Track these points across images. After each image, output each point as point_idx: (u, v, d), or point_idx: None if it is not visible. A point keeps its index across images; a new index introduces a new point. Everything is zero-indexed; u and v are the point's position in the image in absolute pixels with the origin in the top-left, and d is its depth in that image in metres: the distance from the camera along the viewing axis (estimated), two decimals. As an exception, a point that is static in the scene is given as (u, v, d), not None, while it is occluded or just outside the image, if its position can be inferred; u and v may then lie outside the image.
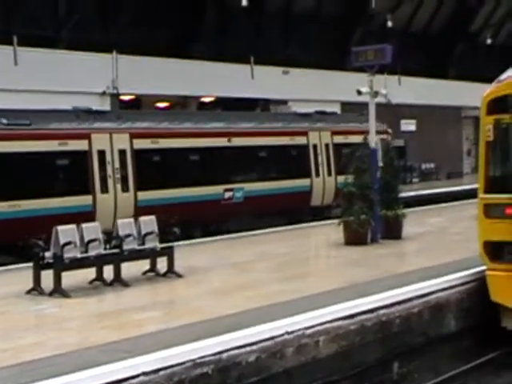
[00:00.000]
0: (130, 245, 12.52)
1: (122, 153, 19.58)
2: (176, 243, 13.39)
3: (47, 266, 11.64)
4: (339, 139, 24.93)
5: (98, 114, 20.27)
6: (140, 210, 17.71)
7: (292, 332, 9.45)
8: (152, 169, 20.46)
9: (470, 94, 31.10)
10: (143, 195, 19.63)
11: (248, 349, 8.91)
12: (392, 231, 16.98)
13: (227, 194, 21.77)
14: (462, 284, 12.38)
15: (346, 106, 33.21)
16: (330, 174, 24.88)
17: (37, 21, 27.13)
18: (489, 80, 14.04)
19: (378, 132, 20.86)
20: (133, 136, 19.88)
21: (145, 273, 13.04)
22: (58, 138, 18.41)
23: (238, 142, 22.34)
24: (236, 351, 8.78)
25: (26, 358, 8.18)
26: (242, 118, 24.16)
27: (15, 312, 10.64)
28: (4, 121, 17.57)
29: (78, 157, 18.76)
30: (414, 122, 41.11)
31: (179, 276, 12.95)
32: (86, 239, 11.91)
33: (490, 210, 12.31)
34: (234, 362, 8.69)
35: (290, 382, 9.33)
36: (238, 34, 33.37)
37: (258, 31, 34.56)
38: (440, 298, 11.79)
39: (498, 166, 12.67)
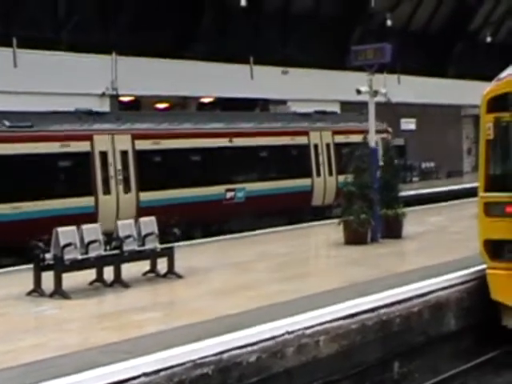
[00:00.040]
0: (130, 246, 12.52)
1: (124, 154, 19.63)
2: (176, 244, 13.39)
3: (48, 268, 11.65)
4: (340, 139, 24.94)
5: (100, 116, 20.33)
6: (142, 211, 17.75)
7: (292, 332, 9.46)
8: (154, 169, 20.49)
9: (470, 93, 31.08)
10: (145, 196, 19.67)
11: (248, 349, 8.91)
12: (392, 230, 16.98)
13: (229, 194, 21.81)
14: (462, 283, 12.39)
15: (345, 105, 33.20)
16: (330, 173, 24.89)
17: (36, 22, 27.12)
18: (489, 78, 14.04)
19: (379, 131, 20.88)
20: (134, 137, 19.92)
21: (145, 274, 13.04)
22: (59, 139, 18.46)
23: (239, 142, 22.39)
24: (236, 351, 8.78)
25: (27, 359, 8.19)
26: (243, 118, 24.20)
27: (16, 314, 10.64)
28: (6, 123, 17.62)
29: (80, 158, 18.81)
30: (413, 121, 41.10)
31: (179, 277, 12.95)
32: (86, 240, 11.92)
33: (490, 209, 12.31)
34: (234, 362, 8.70)
35: (290, 381, 9.34)
36: (237, 35, 33.36)
37: (256, 31, 34.55)
38: (440, 297, 11.80)
39: (499, 164, 12.67)
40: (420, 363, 11.08)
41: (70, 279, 11.78)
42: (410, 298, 11.32)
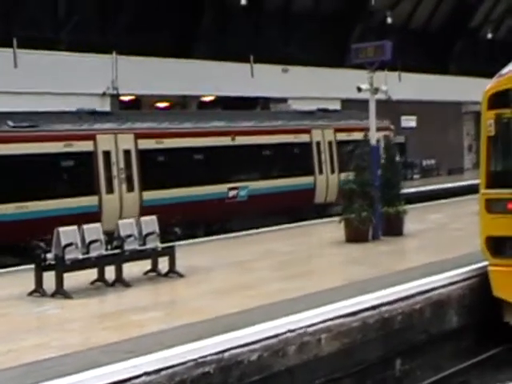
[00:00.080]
0: (131, 245, 12.53)
1: (127, 153, 19.68)
2: (177, 243, 13.39)
3: (49, 268, 11.66)
4: (342, 136, 24.96)
5: (103, 115, 20.38)
6: (145, 210, 17.80)
7: (294, 330, 9.45)
8: (157, 168, 20.54)
9: (471, 90, 31.06)
10: (148, 195, 19.73)
11: (250, 347, 8.90)
12: (393, 228, 16.97)
13: (231, 193, 21.84)
14: (464, 280, 12.37)
15: (346, 103, 33.18)
16: (333, 171, 24.91)
17: (36, 23, 27.12)
18: (490, 75, 14.01)
19: (381, 129, 20.86)
20: (137, 136, 19.96)
21: (146, 273, 13.05)
22: (63, 139, 18.51)
23: (241, 140, 22.43)
24: (238, 350, 8.77)
25: (28, 359, 8.19)
26: (246, 116, 24.26)
27: (17, 313, 10.65)
28: (10, 123, 17.66)
29: (83, 158, 18.88)
30: (414, 118, 41.07)
31: (181, 276, 12.95)
32: (88, 240, 11.92)
33: (491, 205, 12.30)
34: (235, 360, 8.69)
35: (292, 380, 9.33)
36: (238, 34, 33.35)
37: (257, 30, 34.53)
38: (442, 295, 11.79)
39: (500, 160, 12.66)
40: (422, 361, 11.07)
41: (72, 279, 11.79)
42: (412, 296, 11.31)
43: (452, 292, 11.98)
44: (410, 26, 42.60)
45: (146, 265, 13.06)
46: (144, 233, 12.77)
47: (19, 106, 20.76)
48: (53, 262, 11.61)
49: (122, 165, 19.43)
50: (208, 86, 30.26)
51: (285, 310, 10.04)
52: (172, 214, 18.15)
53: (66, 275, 11.61)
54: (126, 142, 19.67)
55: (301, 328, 9.53)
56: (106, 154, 19.22)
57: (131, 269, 12.64)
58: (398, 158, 19.01)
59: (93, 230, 12.12)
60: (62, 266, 11.55)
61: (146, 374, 7.90)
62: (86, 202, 18.39)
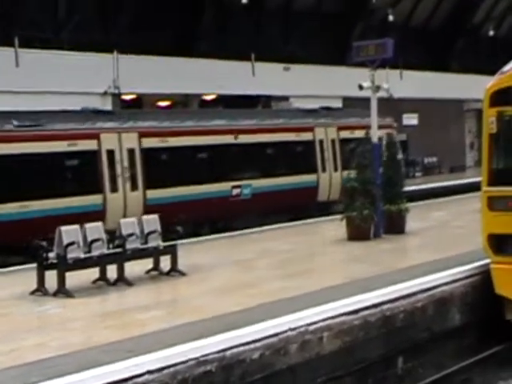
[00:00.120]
0: (132, 244, 12.53)
1: (131, 152, 19.73)
2: (179, 241, 13.39)
3: (51, 267, 11.66)
4: (345, 134, 24.99)
5: (107, 114, 20.45)
6: (149, 209, 17.87)
7: (295, 328, 9.44)
8: (160, 167, 20.62)
9: (473, 87, 31.02)
10: (152, 194, 19.77)
11: (251, 346, 8.90)
12: (395, 226, 16.96)
13: (235, 191, 21.88)
14: (466, 278, 12.36)
15: (347, 101, 33.16)
16: (336, 169, 24.94)
17: (37, 23, 27.13)
18: (491, 72, 14.00)
19: (384, 126, 20.84)
20: (141, 135, 19.99)
21: (148, 272, 13.04)
22: (67, 138, 18.56)
23: (245, 139, 22.47)
24: (239, 348, 8.77)
25: (30, 358, 8.19)
26: (249, 115, 24.33)
27: (19, 313, 10.65)
28: (14, 122, 17.70)
29: (87, 157, 18.94)
30: (416, 116, 41.03)
31: (182, 274, 12.95)
32: (89, 239, 11.93)
33: (493, 203, 12.28)
34: (237, 359, 8.69)
35: (293, 378, 9.33)
36: (239, 32, 33.33)
37: (258, 29, 34.52)
38: (444, 292, 11.77)
39: (502, 158, 12.64)
40: (424, 359, 11.06)
41: (74, 278, 11.79)
42: (414, 294, 11.30)
43: (454, 290, 11.97)
44: (411, 24, 42.56)
45: (148, 263, 13.06)
46: (146, 231, 12.77)
47: (21, 105, 20.77)
48: (55, 261, 11.61)
49: (125, 163, 19.50)
50: (209, 84, 30.25)
51: (286, 308, 10.04)
52: (176, 212, 18.35)
53: (67, 274, 11.61)
54: (130, 140, 19.73)
55: (302, 326, 9.53)
56: (110, 153, 19.28)
57: (133, 268, 12.64)
58: (400, 156, 19.01)
59: (94, 229, 12.13)
60: (63, 265, 11.56)
61: (149, 372, 7.90)
62: (91, 200, 18.46)
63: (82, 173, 19.04)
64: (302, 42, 35.84)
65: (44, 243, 11.78)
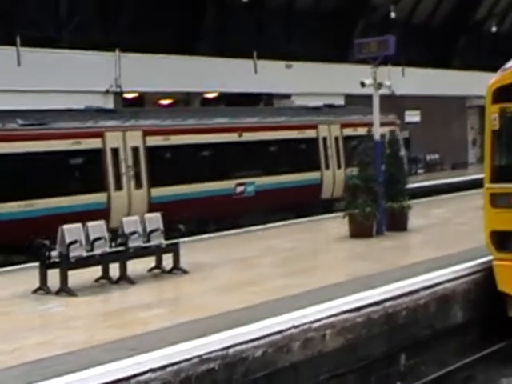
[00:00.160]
0: (135, 242, 12.53)
1: (135, 150, 19.77)
2: (181, 240, 13.39)
3: (53, 265, 11.67)
4: (348, 132, 24.99)
5: (111, 113, 20.53)
6: (153, 207, 17.90)
7: (298, 326, 9.45)
8: (165, 165, 20.68)
9: (475, 84, 31.00)
10: (156, 192, 19.82)
11: (254, 343, 8.91)
12: (397, 223, 16.95)
13: (239, 189, 21.92)
14: (469, 274, 12.35)
15: (350, 98, 33.13)
16: (339, 166, 24.96)
17: (38, 23, 27.14)
18: (494, 69, 13.97)
19: (387, 123, 20.81)
20: (145, 133, 20.04)
21: (150, 270, 13.05)
22: (71, 137, 18.60)
23: (248, 136, 22.52)
24: (242, 346, 8.78)
25: (32, 357, 8.20)
26: (252, 113, 24.38)
27: (22, 311, 10.66)
28: (19, 121, 17.75)
29: (92, 155, 18.99)
30: (418, 113, 40.99)
31: (185, 272, 12.95)
32: (92, 238, 11.93)
33: (496, 200, 12.27)
34: (240, 357, 8.69)
35: (296, 376, 9.33)
36: (240, 31, 33.31)
37: (259, 27, 34.50)
38: (446, 289, 11.77)
39: (504, 155, 12.64)
40: (426, 356, 11.05)
41: (76, 276, 11.79)
42: (416, 291, 11.30)
43: (457, 287, 11.97)
44: (413, 21, 42.49)
45: (151, 262, 13.06)
46: (148, 230, 12.77)
47: (22, 104, 20.78)
48: (57, 260, 11.62)
49: (130, 162, 19.55)
50: (211, 82, 30.24)
51: (289, 305, 10.05)
52: (180, 210, 18.42)
53: (70, 273, 11.62)
54: (134, 139, 19.78)
55: (305, 324, 9.53)
56: (115, 152, 19.33)
57: (135, 266, 12.65)
58: (403, 153, 18.97)
59: (97, 228, 12.13)
60: (66, 264, 11.56)
61: (151, 370, 7.91)
62: (95, 199, 18.50)
63: (87, 171, 19.12)
64: (303, 40, 35.79)
65: (46, 242, 11.78)
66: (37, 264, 11.92)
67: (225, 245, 16.73)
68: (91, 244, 11.89)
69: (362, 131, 20.99)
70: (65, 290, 11.49)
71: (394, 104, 28.36)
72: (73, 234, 11.67)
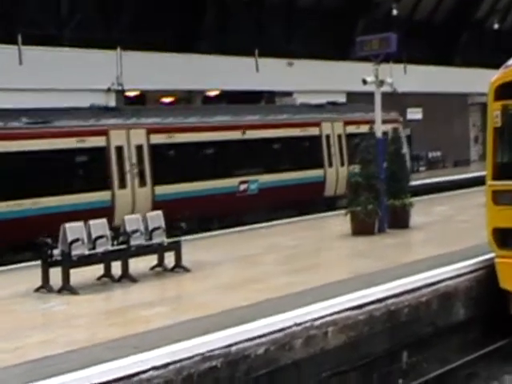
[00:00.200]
0: (137, 240, 12.54)
1: (139, 148, 19.81)
2: (184, 237, 13.39)
3: (55, 264, 11.68)
4: (352, 129, 25.00)
5: (115, 111, 20.61)
6: (157, 205, 17.96)
7: (300, 323, 9.45)
8: (168, 163, 20.76)
9: (477, 81, 30.92)
10: (160, 190, 19.87)
11: (257, 341, 8.91)
12: (399, 221, 16.94)
13: (242, 187, 21.96)
14: (471, 272, 12.34)
15: (351, 96, 33.10)
16: (342, 164, 24.98)
17: (39, 22, 27.13)
18: (496, 66, 13.95)
19: (389, 121, 20.78)
20: (149, 131, 20.06)
21: (153, 268, 13.05)
22: (76, 135, 18.65)
23: (252, 134, 22.56)
24: (245, 344, 8.78)
25: (35, 355, 8.20)
26: (256, 111, 24.42)
27: (24, 310, 10.67)
28: (24, 120, 17.79)
29: (96, 153, 19.05)
30: (419, 110, 40.94)
31: (187, 270, 12.95)
32: (94, 236, 11.93)
33: (498, 197, 12.26)
34: (242, 354, 8.70)
35: (298, 373, 9.33)
36: (240, 30, 33.28)
37: (260, 26, 34.47)
38: (449, 287, 11.76)
39: (507, 152, 12.61)
40: (429, 353, 11.05)
41: (78, 275, 11.80)
42: (418, 288, 11.29)
43: (459, 284, 11.96)
44: (414, 18, 42.42)
45: (153, 260, 13.06)
46: (150, 228, 12.77)
47: (24, 102, 20.78)
48: (59, 258, 11.62)
49: (134, 160, 19.59)
50: (213, 80, 30.22)
51: (291, 303, 10.04)
52: (184, 208, 18.51)
53: (72, 271, 11.62)
54: (138, 137, 19.84)
55: (307, 321, 9.53)
56: (119, 150, 19.38)
57: (137, 264, 12.65)
58: (405, 150, 18.93)
59: (99, 226, 12.13)
60: (68, 262, 11.57)
61: (154, 368, 7.91)
62: (99, 197, 18.57)
63: (91, 169, 19.21)
64: (305, 38, 35.74)
65: (49, 240, 11.78)
66: (38, 263, 11.92)
67: (227, 243, 16.73)
68: (93, 242, 11.90)
69: (365, 129, 21.01)
70: (67, 288, 11.50)
71: (396, 101, 28.37)
72: (75, 233, 11.68)
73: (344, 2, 37.20)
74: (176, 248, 13.06)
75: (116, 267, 12.31)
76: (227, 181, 21.55)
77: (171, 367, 8.04)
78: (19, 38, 25.06)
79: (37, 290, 11.62)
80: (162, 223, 12.95)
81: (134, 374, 7.78)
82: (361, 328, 10.15)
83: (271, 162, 23.32)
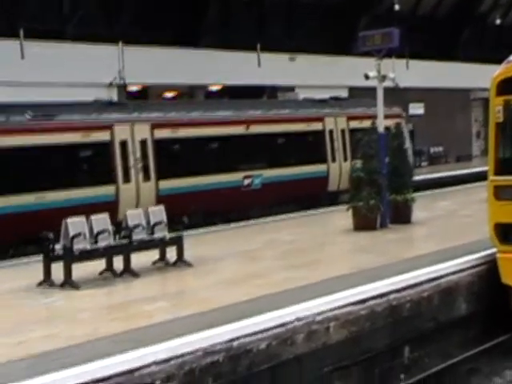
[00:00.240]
0: (139, 235, 12.54)
1: (143, 143, 19.86)
2: (185, 233, 13.39)
3: (57, 258, 11.69)
4: (355, 124, 25.00)
5: (119, 106, 20.68)
6: (161, 199, 17.99)
7: (302, 318, 9.45)
8: (172, 158, 20.84)
9: (479, 76, 30.90)
10: (164, 184, 19.89)
11: (258, 336, 8.91)
12: (401, 216, 16.93)
13: (246, 181, 22.00)
14: (473, 267, 12.34)
15: (353, 91, 33.06)
16: (345, 159, 25.00)
17: (42, 18, 27.14)
18: (498, 61, 13.92)
19: (392, 116, 20.76)
20: (153, 126, 20.08)
21: (154, 262, 13.06)
22: (81, 129, 18.69)
23: (256, 129, 22.58)
24: (246, 339, 8.78)
25: (38, 350, 8.22)
26: (260, 105, 24.42)
27: (26, 305, 10.68)
28: (28, 115, 17.82)
29: (100, 148, 19.09)
30: (422, 105, 40.90)
31: (189, 265, 12.96)
32: (96, 231, 11.94)
33: (500, 192, 12.25)
34: (244, 349, 8.70)
35: (300, 368, 9.34)
36: (242, 28, 33.24)
37: (261, 22, 34.41)
38: (450, 282, 11.76)
39: (508, 147, 12.60)
40: (430, 348, 11.06)
41: (80, 269, 11.81)
42: (420, 283, 11.29)
43: (461, 279, 11.96)
44: (417, 13, 42.33)
45: (155, 255, 13.07)
46: (152, 222, 12.78)
47: (26, 96, 20.80)
48: (61, 253, 11.64)
49: (138, 154, 19.62)
50: (215, 75, 30.21)
51: (293, 298, 10.05)
52: (188, 202, 18.57)
53: (74, 266, 11.64)
54: (143, 131, 19.87)
55: (309, 316, 9.53)
56: (123, 144, 19.42)
57: (139, 259, 12.66)
58: (408, 145, 18.91)
59: (101, 221, 12.14)
60: (70, 257, 11.59)
61: (155, 363, 7.92)
62: (104, 191, 18.60)
63: (95, 164, 19.27)
64: (307, 32, 35.69)
65: (50, 235, 11.79)
66: (40, 258, 11.94)
67: (229, 238, 16.74)
68: (95, 237, 11.91)
69: (368, 124, 21.03)
70: (69, 282, 11.51)
71: (398, 97, 28.32)
72: (77, 227, 11.70)
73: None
74: (178, 243, 13.06)
75: (118, 262, 12.32)
76: (231, 175, 21.61)
77: (173, 362, 8.05)
78: (21, 33, 25.06)
79: (39, 284, 11.64)
80: (164, 218, 12.96)
81: (136, 368, 7.79)
82: (362, 323, 10.15)
83: (275, 156, 23.36)
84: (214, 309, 9.77)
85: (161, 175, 19.95)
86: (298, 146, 24.12)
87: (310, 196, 23.60)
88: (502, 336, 11.70)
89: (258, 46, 32.27)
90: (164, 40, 29.93)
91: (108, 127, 19.20)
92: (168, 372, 7.96)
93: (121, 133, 19.38)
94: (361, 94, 27.21)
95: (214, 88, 32.31)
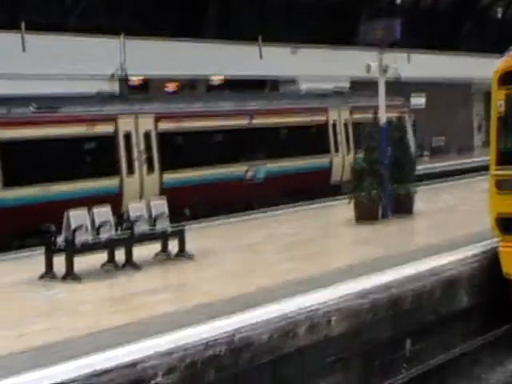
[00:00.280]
0: (140, 227, 12.54)
1: (147, 135, 19.86)
2: (187, 225, 13.39)
3: (59, 251, 11.68)
4: (358, 116, 24.99)
5: (123, 98, 20.75)
6: (165, 191, 18.01)
7: (304, 311, 9.45)
8: (176, 150, 20.86)
9: (481, 69, 30.80)
10: (168, 177, 19.92)
11: (260, 329, 8.91)
12: (403, 207, 16.92)
13: (249, 174, 22.02)
14: (474, 259, 12.34)
15: (355, 83, 33.00)
16: (349, 151, 25.00)
17: (43, 9, 27.09)
18: (500, 54, 13.88)
19: (395, 107, 20.73)
20: (157, 118, 20.08)
21: (156, 255, 13.06)
22: (85, 122, 18.69)
23: (259, 121, 22.56)
24: (248, 331, 8.78)
25: (39, 342, 8.22)
26: (263, 98, 24.53)
27: (28, 297, 10.68)
28: (33, 107, 17.82)
29: (104, 140, 19.13)
30: (423, 98, 40.81)
31: (191, 258, 12.95)
32: (97, 223, 11.93)
33: (501, 184, 12.25)
34: (246, 342, 8.70)
35: (302, 360, 9.34)
36: (243, 20, 33.18)
37: (263, 15, 34.34)
38: (452, 274, 11.75)
39: (510, 139, 12.59)
40: (432, 341, 11.06)
41: (82, 262, 11.81)
42: (422, 276, 11.28)
43: (462, 271, 11.95)
44: (419, 6, 42.22)
45: (156, 247, 13.07)
46: (154, 215, 12.77)
47: (27, 89, 20.79)
48: (63, 245, 11.63)
49: (142, 147, 19.64)
50: (217, 67, 30.17)
51: (294, 290, 10.05)
52: (192, 195, 18.62)
53: (76, 258, 11.63)
54: (146, 124, 19.89)
55: (311, 309, 9.53)
56: (127, 137, 19.44)
57: (141, 251, 12.66)
58: (411, 137, 18.88)
59: (103, 213, 12.13)
60: (71, 249, 11.58)
61: (157, 355, 7.91)
62: (107, 184, 18.63)
63: (99, 156, 19.35)
64: (309, 24, 35.60)
65: (52, 227, 11.79)
66: (42, 250, 11.94)
67: (231, 230, 16.73)
68: (97, 229, 11.90)
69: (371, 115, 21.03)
70: (70, 275, 11.51)
71: (400, 89, 28.25)
72: (78, 220, 11.69)
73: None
74: (180, 235, 13.06)
75: (120, 254, 12.32)
76: (235, 168, 21.63)
77: (174, 355, 8.05)
78: (22, 25, 25.02)
79: (41, 277, 11.63)
80: (166, 210, 12.96)
81: (138, 361, 7.80)
82: (364, 315, 10.15)
83: (278, 148, 23.40)
84: (215, 301, 9.77)
85: (164, 167, 19.99)
86: (301, 138, 24.16)
87: (313, 188, 23.61)
88: (503, 327, 11.69)
89: (260, 38, 32.21)
90: (165, 32, 29.89)
91: (112, 119, 19.23)
92: (170, 364, 7.96)
93: (125, 125, 19.40)
94: (363, 87, 27.15)
95: (216, 79, 32.26)
